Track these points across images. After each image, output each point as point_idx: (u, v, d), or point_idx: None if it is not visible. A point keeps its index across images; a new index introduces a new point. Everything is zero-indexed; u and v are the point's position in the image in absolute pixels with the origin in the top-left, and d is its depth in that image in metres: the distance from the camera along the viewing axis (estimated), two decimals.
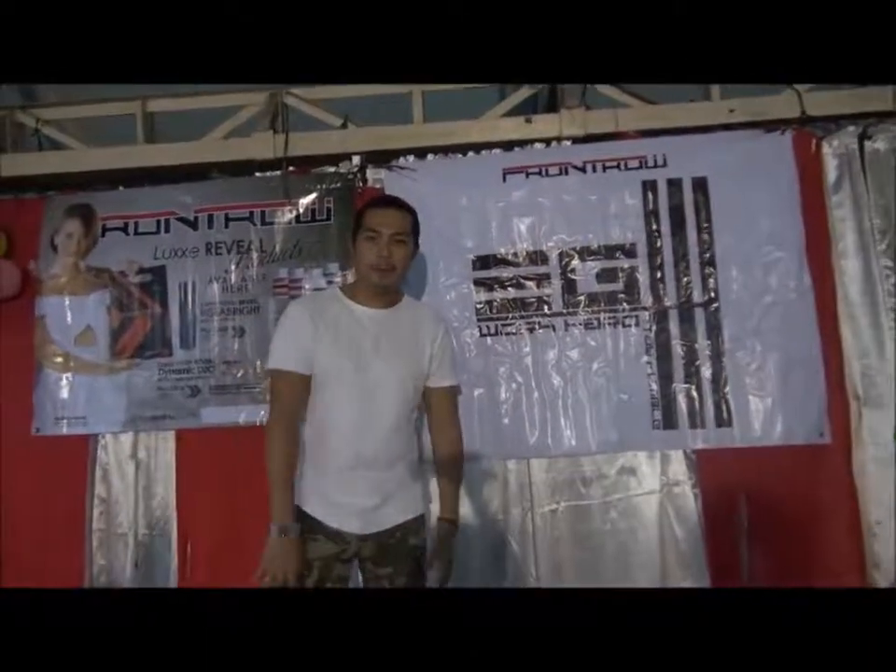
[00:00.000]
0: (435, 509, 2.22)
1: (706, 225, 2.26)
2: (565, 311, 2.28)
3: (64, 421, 2.38)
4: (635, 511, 2.27)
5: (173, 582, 2.34)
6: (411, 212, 1.72)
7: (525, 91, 2.52)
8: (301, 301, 1.89)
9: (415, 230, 1.73)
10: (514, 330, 2.30)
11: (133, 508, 2.39)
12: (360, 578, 1.77)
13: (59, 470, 2.37)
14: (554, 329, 2.28)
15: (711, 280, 2.25)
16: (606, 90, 2.44)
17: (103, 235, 2.44)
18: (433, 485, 2.24)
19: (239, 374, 2.33)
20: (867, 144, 2.26)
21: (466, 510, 2.30)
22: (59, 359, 2.40)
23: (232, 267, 2.38)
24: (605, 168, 2.30)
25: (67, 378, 2.39)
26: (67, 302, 2.42)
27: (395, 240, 1.65)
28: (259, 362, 2.32)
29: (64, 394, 2.39)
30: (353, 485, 1.65)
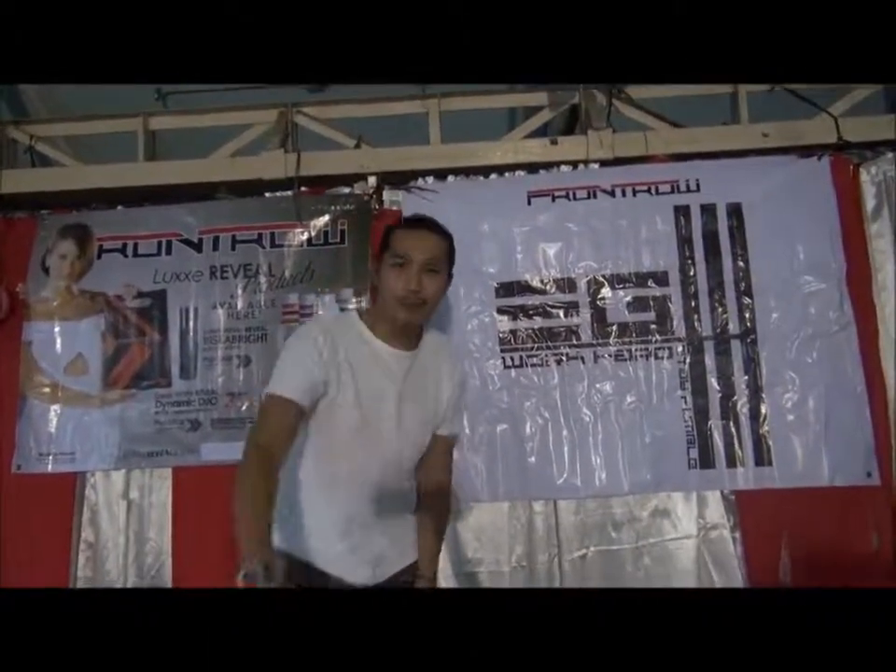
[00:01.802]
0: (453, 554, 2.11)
1: (741, 253, 2.16)
2: (594, 341, 2.15)
3: (50, 457, 2.19)
4: (670, 556, 2.12)
5: None
6: (446, 237, 1.51)
7: (545, 114, 2.44)
8: (314, 322, 1.63)
9: (450, 257, 1.52)
10: (540, 362, 2.16)
11: (123, 553, 2.18)
12: None
13: (42, 512, 2.17)
14: (584, 361, 2.15)
15: (748, 311, 2.14)
16: (631, 112, 2.35)
17: (99, 257, 2.28)
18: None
19: (244, 407, 2.16)
20: None
21: (488, 556, 2.15)
22: (46, 390, 2.22)
23: (239, 292, 2.23)
24: (635, 192, 2.20)
25: (55, 410, 2.21)
26: (57, 328, 2.24)
27: (427, 269, 1.44)
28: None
29: (51, 427, 2.20)
30: (363, 533, 1.50)
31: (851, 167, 2.19)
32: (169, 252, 2.26)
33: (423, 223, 1.52)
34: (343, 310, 2.18)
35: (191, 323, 2.22)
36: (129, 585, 2.17)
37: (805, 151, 2.20)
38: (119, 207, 2.35)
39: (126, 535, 2.19)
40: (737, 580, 2.08)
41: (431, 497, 1.62)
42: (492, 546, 2.15)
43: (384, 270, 1.46)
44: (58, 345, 2.24)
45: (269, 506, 1.31)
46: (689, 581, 2.09)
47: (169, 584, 2.14)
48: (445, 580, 2.09)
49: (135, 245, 2.28)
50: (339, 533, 1.49)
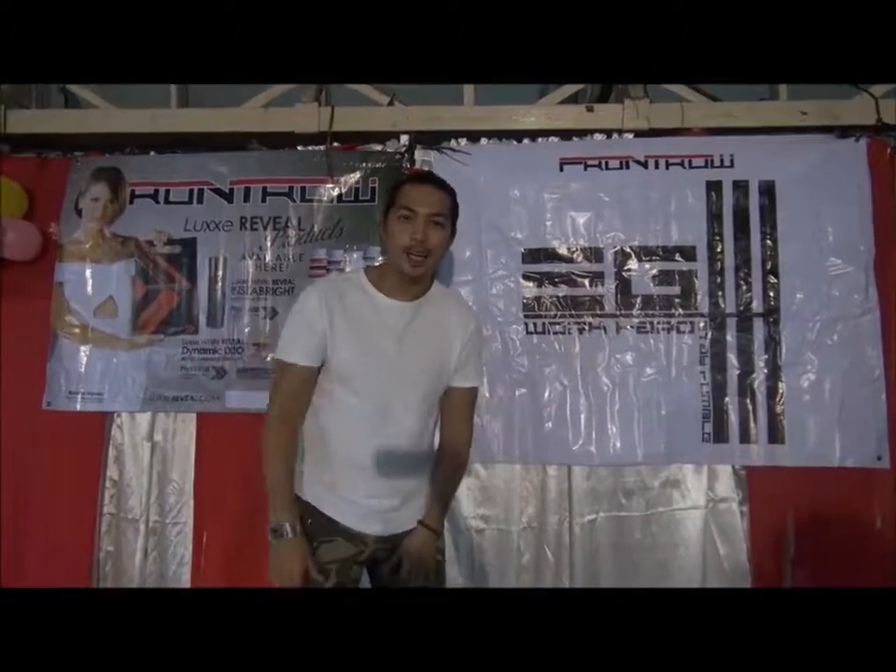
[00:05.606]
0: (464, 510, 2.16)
1: (770, 231, 2.16)
2: (618, 312, 2.17)
3: (79, 396, 2.24)
4: (677, 525, 2.17)
5: (184, 574, 2.22)
6: (450, 192, 1.53)
7: None
8: (318, 285, 1.60)
9: (454, 212, 1.55)
10: (563, 329, 2.18)
11: (146, 493, 2.25)
12: (370, 583, 1.63)
13: (69, 448, 2.23)
14: (605, 331, 2.17)
15: (772, 290, 2.15)
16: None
17: (131, 202, 2.29)
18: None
19: (268, 358, 2.19)
20: None
21: (498, 514, 2.20)
22: (76, 330, 2.26)
23: (268, 244, 2.24)
24: (668, 165, 2.19)
25: (84, 350, 2.25)
26: (89, 270, 2.28)
27: (432, 221, 1.46)
28: None
29: (80, 367, 2.25)
30: (372, 486, 1.53)
31: (888, 150, 2.17)
32: (200, 201, 2.28)
33: (428, 178, 1.58)
34: None
35: (220, 272, 2.25)
36: (151, 523, 2.24)
37: (843, 132, 2.18)
38: (152, 153, 2.36)
39: (149, 475, 2.26)
40: (742, 552, 2.13)
41: (452, 451, 1.63)
42: (503, 505, 2.20)
43: (390, 223, 1.50)
44: (89, 287, 2.27)
45: (290, 470, 1.52)
46: (694, 551, 2.15)
47: (190, 525, 2.21)
48: (452, 534, 2.15)
49: (167, 192, 2.29)
50: (346, 482, 1.52)
